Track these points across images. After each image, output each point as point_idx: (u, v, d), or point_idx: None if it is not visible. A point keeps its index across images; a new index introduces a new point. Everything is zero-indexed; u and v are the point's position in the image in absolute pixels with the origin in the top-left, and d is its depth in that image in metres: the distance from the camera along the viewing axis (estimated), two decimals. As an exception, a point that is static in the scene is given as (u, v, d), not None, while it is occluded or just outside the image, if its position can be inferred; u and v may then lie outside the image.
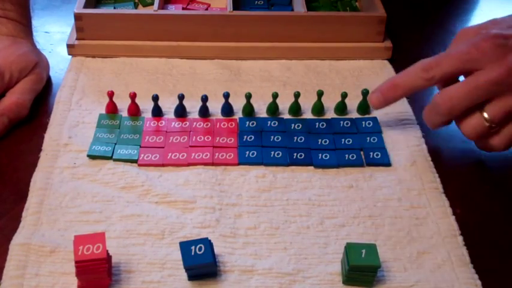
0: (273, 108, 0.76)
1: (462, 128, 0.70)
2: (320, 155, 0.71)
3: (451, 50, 0.69)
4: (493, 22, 0.70)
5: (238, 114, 0.76)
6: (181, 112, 0.76)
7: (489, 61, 0.66)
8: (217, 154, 0.71)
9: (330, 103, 0.77)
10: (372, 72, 0.84)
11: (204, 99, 0.75)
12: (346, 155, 0.71)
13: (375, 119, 0.76)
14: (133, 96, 0.74)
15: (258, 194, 0.67)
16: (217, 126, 0.75)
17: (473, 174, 0.72)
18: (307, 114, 0.77)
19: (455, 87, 0.68)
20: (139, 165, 0.70)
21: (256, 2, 0.93)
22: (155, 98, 0.75)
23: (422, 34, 0.94)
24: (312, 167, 0.70)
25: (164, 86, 0.81)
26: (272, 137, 0.73)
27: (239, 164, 0.70)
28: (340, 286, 0.59)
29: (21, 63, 0.76)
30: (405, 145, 0.73)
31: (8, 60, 0.75)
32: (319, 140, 0.73)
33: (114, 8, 0.91)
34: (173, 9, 0.91)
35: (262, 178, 0.69)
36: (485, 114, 0.67)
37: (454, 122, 0.71)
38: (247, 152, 0.71)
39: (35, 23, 0.91)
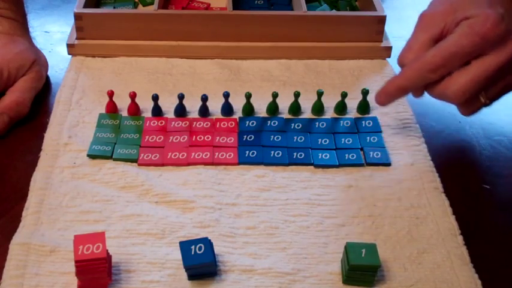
0: (272, 108, 0.76)
1: (462, 110, 0.70)
2: (320, 154, 0.71)
3: (448, 43, 0.66)
4: (463, 2, 0.68)
5: (238, 113, 0.76)
6: (181, 112, 0.76)
7: (492, 46, 0.65)
8: (217, 154, 0.71)
9: (330, 103, 0.77)
10: (372, 72, 0.84)
11: (204, 98, 0.75)
12: (346, 155, 0.71)
13: (375, 119, 0.76)
14: (133, 95, 0.74)
15: (258, 194, 0.67)
16: (217, 126, 0.75)
17: (473, 174, 0.72)
18: (307, 114, 0.77)
19: (464, 79, 0.66)
20: (139, 164, 0.70)
21: (256, 1, 0.93)
22: (155, 98, 0.75)
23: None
24: (311, 167, 0.70)
25: (164, 86, 0.80)
26: (272, 136, 0.73)
27: (239, 163, 0.70)
28: (340, 286, 0.58)
29: (18, 61, 0.76)
30: (405, 145, 0.73)
31: (6, 59, 0.75)
32: (319, 140, 0.73)
33: (114, 7, 0.91)
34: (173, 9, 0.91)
35: (262, 178, 0.69)
36: (484, 95, 0.67)
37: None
38: (247, 152, 0.71)
39: (35, 22, 0.91)
